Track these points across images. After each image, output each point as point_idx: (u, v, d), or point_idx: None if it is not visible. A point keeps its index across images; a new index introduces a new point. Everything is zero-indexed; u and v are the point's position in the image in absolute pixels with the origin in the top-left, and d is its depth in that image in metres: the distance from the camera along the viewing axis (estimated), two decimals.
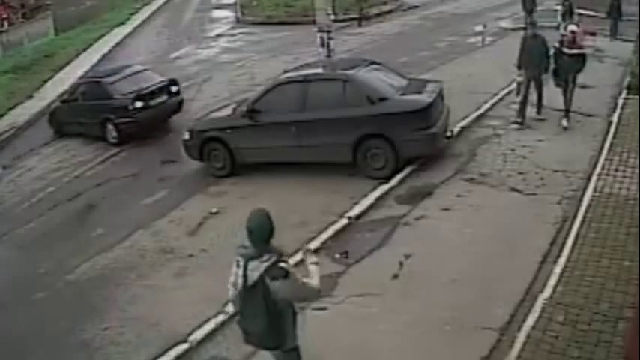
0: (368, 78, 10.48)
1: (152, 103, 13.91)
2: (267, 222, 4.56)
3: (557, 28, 15.57)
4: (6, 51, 26.65)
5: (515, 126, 11.60)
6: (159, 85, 14.29)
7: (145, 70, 15.35)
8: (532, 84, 11.61)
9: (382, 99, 10.09)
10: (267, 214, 4.59)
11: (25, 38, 27.83)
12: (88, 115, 14.36)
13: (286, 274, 4.42)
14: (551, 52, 11.56)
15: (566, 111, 11.58)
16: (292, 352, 4.85)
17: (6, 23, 30.64)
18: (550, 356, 5.68)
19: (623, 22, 19.62)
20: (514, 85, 14.45)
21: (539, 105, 11.90)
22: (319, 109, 10.27)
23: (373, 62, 11.33)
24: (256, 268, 4.45)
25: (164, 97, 14.24)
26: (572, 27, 11.60)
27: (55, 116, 15.72)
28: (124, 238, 9.38)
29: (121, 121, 13.69)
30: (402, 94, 10.34)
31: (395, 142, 9.90)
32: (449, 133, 10.95)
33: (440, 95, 10.51)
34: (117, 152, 13.55)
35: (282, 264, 4.45)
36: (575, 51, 11.09)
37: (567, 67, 11.26)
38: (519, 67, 11.65)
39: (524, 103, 11.63)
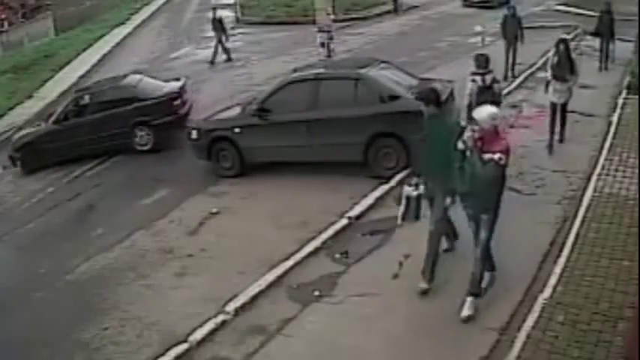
0: (380, 77, 10.49)
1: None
2: None
3: (547, 85, 10.61)
4: (6, 51, 26.69)
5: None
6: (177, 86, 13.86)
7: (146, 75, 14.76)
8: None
9: (394, 98, 10.10)
10: None
11: (25, 38, 27.87)
12: (105, 127, 12.99)
13: None
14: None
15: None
16: None
17: (6, 23, 30.67)
18: (550, 356, 5.67)
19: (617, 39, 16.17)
20: (513, 86, 14.53)
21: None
22: (330, 108, 10.25)
23: (384, 61, 11.34)
24: None
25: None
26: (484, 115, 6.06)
27: (35, 146, 13.34)
28: (124, 238, 9.37)
29: (161, 121, 12.93)
30: (414, 94, 10.34)
31: (407, 141, 9.89)
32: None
33: (451, 95, 10.50)
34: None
35: None
36: (492, 156, 5.95)
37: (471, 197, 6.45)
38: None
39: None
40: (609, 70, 15.57)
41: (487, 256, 6.61)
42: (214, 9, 21.15)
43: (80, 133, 13.11)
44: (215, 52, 20.52)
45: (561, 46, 10.49)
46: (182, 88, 13.81)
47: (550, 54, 11.08)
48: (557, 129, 10.70)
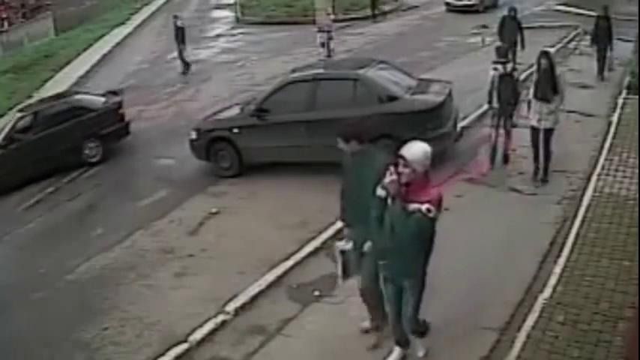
0: (378, 77, 10.49)
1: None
2: None
3: (528, 105, 9.45)
4: (6, 51, 26.70)
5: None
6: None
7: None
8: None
9: (392, 98, 10.10)
10: None
11: (25, 38, 27.89)
12: (54, 144, 12.58)
13: None
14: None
15: None
16: None
17: (6, 23, 30.70)
18: (550, 356, 5.67)
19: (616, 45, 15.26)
20: None
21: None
22: (329, 109, 10.23)
23: (382, 62, 11.34)
24: None
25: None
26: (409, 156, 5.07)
27: None
28: (124, 238, 9.37)
29: (109, 131, 13.07)
30: (413, 94, 10.35)
31: (405, 142, 9.87)
32: (458, 133, 10.97)
33: (449, 95, 10.50)
34: (117, 152, 13.52)
35: None
36: (419, 206, 4.91)
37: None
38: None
39: None
40: (608, 77, 14.72)
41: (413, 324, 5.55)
42: (175, 17, 20.07)
43: (28, 154, 12.51)
44: (183, 61, 19.67)
45: (543, 61, 9.04)
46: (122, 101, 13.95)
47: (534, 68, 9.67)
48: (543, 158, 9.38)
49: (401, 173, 4.86)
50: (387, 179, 4.88)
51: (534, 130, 9.21)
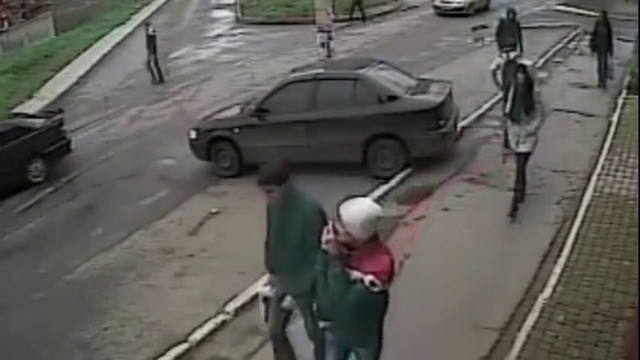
0: (378, 77, 10.51)
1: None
2: None
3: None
4: (6, 51, 26.69)
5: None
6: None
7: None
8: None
9: (392, 98, 10.11)
10: None
11: (25, 38, 27.88)
12: None
13: None
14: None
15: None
16: None
17: (6, 23, 30.69)
18: (550, 356, 5.67)
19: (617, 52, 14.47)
20: None
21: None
22: (329, 109, 10.27)
23: (382, 62, 11.35)
24: None
25: None
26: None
27: None
28: (124, 238, 9.37)
29: (53, 148, 12.78)
30: (413, 94, 10.37)
31: (405, 142, 9.91)
32: (458, 133, 10.98)
33: (449, 95, 10.51)
34: (113, 155, 13.52)
35: None
36: (362, 276, 3.98)
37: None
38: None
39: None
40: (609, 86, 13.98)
41: None
42: (147, 24, 19.48)
43: None
44: (158, 71, 18.91)
45: (519, 76, 8.10)
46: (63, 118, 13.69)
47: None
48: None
49: (337, 232, 3.94)
50: (324, 237, 3.99)
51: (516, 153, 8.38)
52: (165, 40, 25.38)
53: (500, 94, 10.62)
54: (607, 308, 6.20)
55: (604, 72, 14.02)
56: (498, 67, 10.32)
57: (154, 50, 18.84)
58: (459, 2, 24.87)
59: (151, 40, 18.75)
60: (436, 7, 25.65)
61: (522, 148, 8.25)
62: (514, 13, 14.46)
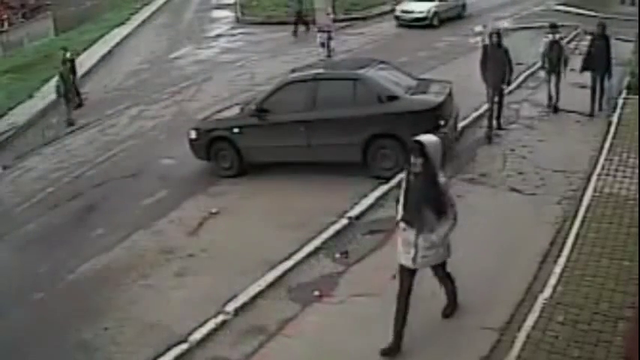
0: (378, 77, 10.49)
1: None
2: None
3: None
4: (6, 51, 26.70)
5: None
6: None
7: None
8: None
9: (392, 98, 10.11)
10: None
11: (25, 38, 27.90)
12: None
13: None
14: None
15: None
16: None
17: (6, 23, 30.70)
18: (550, 356, 5.67)
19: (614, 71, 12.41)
20: (513, 86, 14.51)
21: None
22: (329, 109, 10.26)
23: (382, 62, 11.34)
24: None
25: None
26: None
27: None
28: (124, 238, 9.36)
29: None
30: (412, 94, 10.36)
31: (405, 142, 9.90)
32: (458, 133, 10.98)
33: (449, 95, 10.51)
34: (117, 152, 13.53)
35: None
36: None
37: None
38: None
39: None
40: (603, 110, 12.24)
41: None
42: (65, 49, 18.27)
43: None
44: (78, 94, 17.78)
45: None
46: None
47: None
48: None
49: None
50: None
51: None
52: (166, 40, 25.50)
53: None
54: (607, 308, 6.20)
55: (601, 95, 12.22)
56: (545, 47, 12.15)
57: (74, 73, 18.05)
58: (420, 12, 21.99)
59: (70, 64, 17.83)
60: (397, 18, 23.07)
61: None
62: (499, 35, 11.47)
